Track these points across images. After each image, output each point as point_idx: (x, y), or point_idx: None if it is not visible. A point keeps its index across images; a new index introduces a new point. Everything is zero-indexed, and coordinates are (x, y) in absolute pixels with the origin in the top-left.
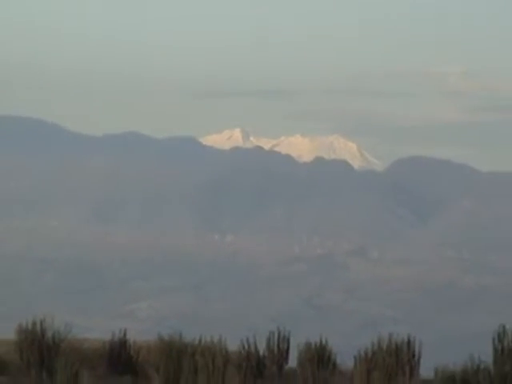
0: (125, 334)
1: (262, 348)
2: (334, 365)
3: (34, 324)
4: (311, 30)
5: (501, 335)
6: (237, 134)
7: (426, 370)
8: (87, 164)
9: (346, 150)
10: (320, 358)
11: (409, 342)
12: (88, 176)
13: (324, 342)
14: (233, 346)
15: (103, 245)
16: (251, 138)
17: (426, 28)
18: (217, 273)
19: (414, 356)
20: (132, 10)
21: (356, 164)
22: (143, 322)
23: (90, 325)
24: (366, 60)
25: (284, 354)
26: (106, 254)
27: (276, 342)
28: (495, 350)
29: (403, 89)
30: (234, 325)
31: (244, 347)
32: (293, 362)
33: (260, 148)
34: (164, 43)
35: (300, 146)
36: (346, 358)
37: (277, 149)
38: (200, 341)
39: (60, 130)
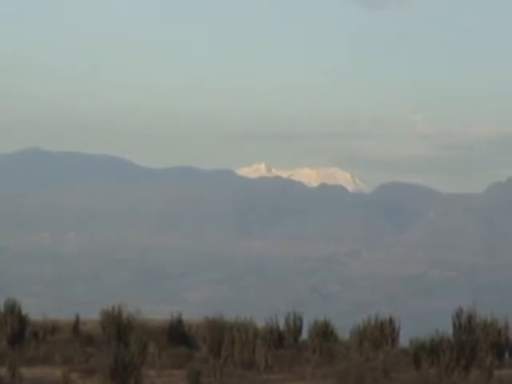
0: (180, 315)
1: (281, 325)
2: (336, 337)
3: (114, 308)
4: (316, 87)
5: (459, 314)
6: (262, 167)
7: (403, 340)
8: (151, 189)
9: (343, 178)
10: (325, 332)
11: (390, 320)
12: (151, 198)
13: (327, 320)
14: (260, 323)
15: (164, 249)
16: (273, 170)
17: (397, 85)
18: (248, 269)
19: (394, 330)
20: (195, 73)
21: (350, 188)
22: (193, 306)
23: (154, 309)
24: (356, 111)
25: (298, 329)
26: (166, 256)
27: (292, 320)
28: (454, 325)
29: (384, 132)
30: (261, 308)
31: (268, 324)
32: (304, 335)
33: (279, 177)
34: (212, 101)
35: (309, 176)
36: (344, 332)
37: (292, 177)
38: (236, 319)
39: (131, 164)
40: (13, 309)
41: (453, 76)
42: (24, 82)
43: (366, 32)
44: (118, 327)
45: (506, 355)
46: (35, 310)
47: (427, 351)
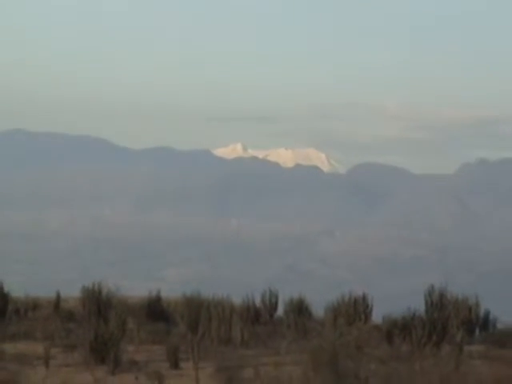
0: (159, 292)
1: (258, 302)
2: (310, 314)
3: (94, 285)
4: (292, 72)
5: (430, 292)
6: (239, 147)
7: (376, 317)
8: (130, 169)
9: (318, 158)
10: (300, 308)
11: (364, 297)
12: (131, 178)
13: (302, 297)
14: (237, 300)
15: (143, 228)
16: (249, 150)
17: (371, 70)
18: (224, 247)
19: (367, 307)
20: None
21: (325, 169)
22: (171, 283)
23: (133, 286)
24: (331, 93)
25: (274, 306)
26: (145, 234)
27: (268, 298)
28: (426, 302)
29: (358, 114)
30: (237, 285)
31: (245, 301)
32: (280, 311)
33: (255, 157)
34: (191, 84)
35: (284, 156)
36: (318, 309)
37: (268, 158)
38: (213, 297)
39: (111, 145)
40: None
41: (425, 61)
42: (8, 64)
43: (339, 17)
44: (98, 304)
45: (477, 332)
46: (17, 287)
47: (399, 328)
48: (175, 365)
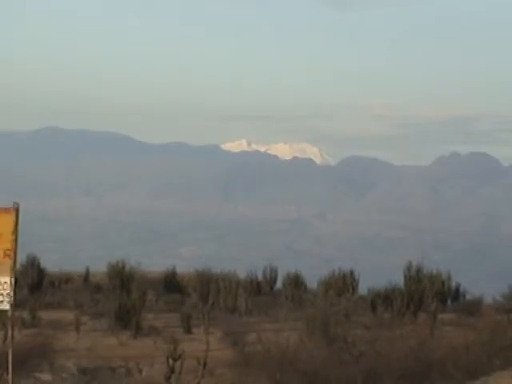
0: (174, 268)
1: (259, 276)
2: (305, 287)
3: (118, 262)
4: (290, 79)
5: (409, 268)
6: (243, 142)
7: (362, 289)
8: (148, 161)
9: (312, 152)
10: (296, 282)
11: (351, 272)
12: (148, 170)
13: (298, 272)
14: (242, 275)
15: (160, 212)
16: (252, 145)
17: (358, 74)
18: (231, 229)
19: (354, 281)
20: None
21: (318, 161)
22: (185, 260)
23: (152, 262)
24: (321, 95)
25: (274, 280)
26: (161, 218)
27: (269, 273)
28: (405, 277)
29: (346, 113)
30: (242, 262)
31: (248, 276)
32: (279, 284)
33: (258, 151)
34: (207, 86)
35: (283, 150)
36: (312, 282)
37: (268, 152)
38: (221, 272)
39: (130, 140)
40: (33, 262)
41: (406, 66)
42: (47, 69)
43: (333, 30)
44: (122, 278)
45: (449, 302)
46: (52, 263)
47: (382, 298)
48: (188, 330)
